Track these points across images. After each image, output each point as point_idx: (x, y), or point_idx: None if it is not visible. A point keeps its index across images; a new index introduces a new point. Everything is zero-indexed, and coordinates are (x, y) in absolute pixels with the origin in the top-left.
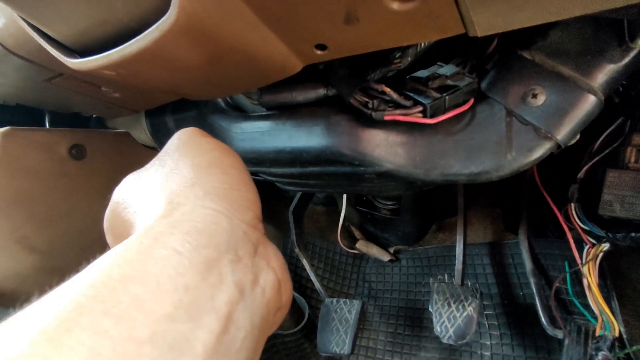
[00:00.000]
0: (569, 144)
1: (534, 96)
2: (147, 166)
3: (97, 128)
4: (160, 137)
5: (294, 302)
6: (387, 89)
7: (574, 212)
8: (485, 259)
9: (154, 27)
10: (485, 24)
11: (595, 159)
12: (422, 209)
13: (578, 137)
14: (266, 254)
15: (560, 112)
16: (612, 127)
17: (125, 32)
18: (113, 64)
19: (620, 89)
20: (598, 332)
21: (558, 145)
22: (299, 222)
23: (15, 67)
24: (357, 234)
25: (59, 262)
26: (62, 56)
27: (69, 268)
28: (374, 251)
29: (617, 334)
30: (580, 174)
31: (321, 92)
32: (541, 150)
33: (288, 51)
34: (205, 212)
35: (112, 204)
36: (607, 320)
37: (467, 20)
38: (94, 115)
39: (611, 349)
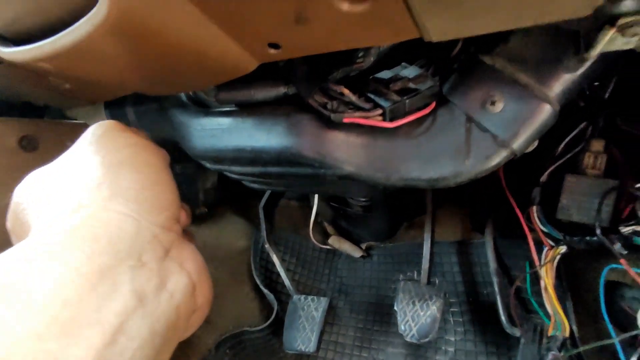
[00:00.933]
0: (526, 152)
1: (493, 103)
2: (54, 162)
3: (53, 118)
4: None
5: (263, 298)
6: (346, 91)
7: (535, 214)
8: (452, 257)
9: (83, 19)
10: (439, 30)
11: (557, 164)
12: (393, 207)
13: (536, 144)
14: (180, 257)
15: (517, 121)
16: (574, 132)
17: (57, 23)
18: (46, 57)
19: (587, 92)
20: (550, 332)
21: (514, 154)
22: (270, 218)
23: None
24: (329, 229)
25: None
26: None
27: None
28: (346, 247)
29: (567, 335)
30: (543, 178)
31: (281, 90)
32: (498, 158)
33: (240, 49)
34: (108, 216)
35: (12, 204)
36: (559, 320)
37: (421, 25)
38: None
39: (561, 348)
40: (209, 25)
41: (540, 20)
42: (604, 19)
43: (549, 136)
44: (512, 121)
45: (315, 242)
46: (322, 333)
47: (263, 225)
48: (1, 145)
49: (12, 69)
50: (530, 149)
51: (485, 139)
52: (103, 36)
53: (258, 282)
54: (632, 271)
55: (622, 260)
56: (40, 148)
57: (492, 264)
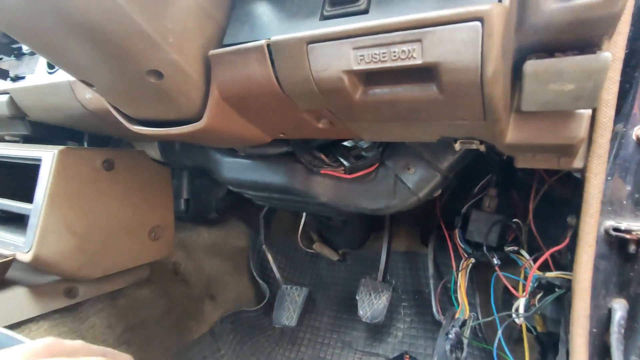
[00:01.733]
0: (434, 196)
1: (409, 168)
2: None
3: (125, 146)
4: (168, 156)
5: (258, 286)
6: (322, 155)
7: (457, 235)
8: (405, 264)
9: (190, 126)
10: (368, 137)
11: (470, 202)
12: (364, 222)
13: (439, 192)
14: None
15: (422, 181)
16: (483, 181)
17: (170, 121)
18: (160, 136)
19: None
20: (457, 316)
21: (420, 200)
22: (268, 225)
23: (82, 114)
24: (314, 237)
25: (90, 244)
26: (128, 124)
27: (96, 249)
28: (326, 251)
29: (466, 317)
30: (463, 210)
31: (284, 149)
32: (410, 201)
33: (263, 134)
34: None
35: None
36: (463, 308)
37: (358, 134)
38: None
39: (462, 326)
40: (248, 125)
41: (415, 139)
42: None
43: (467, 182)
44: (419, 181)
45: (302, 246)
46: (302, 313)
47: (262, 230)
48: (92, 166)
49: (102, 120)
50: (435, 195)
51: (404, 189)
52: (197, 132)
53: (255, 274)
54: (502, 275)
55: (497, 268)
56: (115, 168)
57: (431, 270)
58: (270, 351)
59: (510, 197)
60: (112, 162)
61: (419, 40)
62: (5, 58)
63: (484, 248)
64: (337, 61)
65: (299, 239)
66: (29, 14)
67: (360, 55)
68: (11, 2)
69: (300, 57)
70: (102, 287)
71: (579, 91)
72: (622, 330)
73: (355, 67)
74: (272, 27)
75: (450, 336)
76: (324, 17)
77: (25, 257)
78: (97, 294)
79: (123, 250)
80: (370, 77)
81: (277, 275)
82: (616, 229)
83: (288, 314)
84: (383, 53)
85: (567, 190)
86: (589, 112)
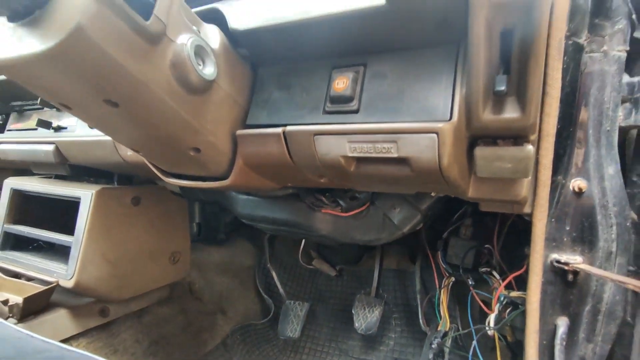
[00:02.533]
0: (413, 231)
1: (394, 208)
2: None
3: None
4: (187, 192)
5: (264, 301)
6: (323, 198)
7: (439, 256)
8: (395, 280)
9: (218, 183)
10: (360, 189)
11: (449, 229)
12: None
13: (420, 226)
14: None
15: (405, 219)
16: (460, 212)
17: (201, 176)
18: (192, 187)
19: None
20: (439, 328)
21: (403, 233)
22: (272, 245)
23: (120, 164)
24: (313, 254)
25: (121, 270)
26: (163, 177)
27: (126, 274)
28: (325, 268)
29: (447, 329)
30: (444, 235)
31: (290, 191)
32: (397, 234)
33: (275, 184)
34: None
35: None
36: (444, 321)
37: (352, 186)
38: None
39: (443, 337)
40: (263, 179)
41: (397, 192)
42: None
43: (448, 210)
44: (403, 219)
45: (302, 262)
46: (304, 325)
47: (267, 250)
48: (122, 203)
49: (137, 168)
50: (418, 228)
51: (391, 224)
52: (223, 186)
53: (260, 290)
54: (475, 293)
55: (471, 288)
56: (142, 203)
57: (418, 286)
58: (275, 359)
59: (484, 225)
60: (139, 198)
61: (395, 142)
62: (46, 108)
63: (461, 270)
64: (336, 149)
65: (300, 256)
66: (111, 116)
67: (353, 147)
68: (96, 111)
69: (308, 144)
70: (130, 306)
71: (514, 168)
72: (564, 343)
73: (350, 154)
74: (285, 114)
75: (433, 346)
76: (326, 112)
77: (68, 283)
78: (125, 313)
79: (148, 274)
80: (361, 159)
81: (281, 290)
82: (558, 261)
83: (292, 327)
84: (369, 147)
85: (527, 223)
86: (528, 177)
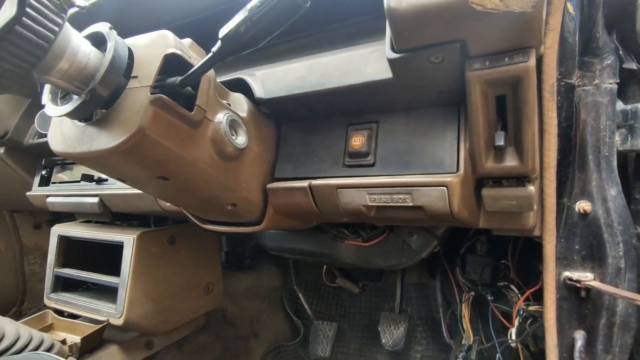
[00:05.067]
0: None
1: (412, 235)
2: None
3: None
4: None
5: (293, 322)
6: (345, 231)
7: (458, 272)
8: (417, 294)
9: (252, 228)
10: (380, 223)
11: (466, 246)
12: None
13: (437, 249)
14: None
15: (422, 245)
16: (473, 230)
17: (235, 222)
18: (228, 233)
19: None
20: (463, 342)
21: (422, 258)
22: (296, 266)
23: (159, 212)
24: (336, 273)
25: (162, 305)
26: (201, 224)
27: (167, 308)
28: (348, 285)
29: (471, 342)
30: (462, 251)
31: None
32: (416, 259)
33: (301, 224)
34: None
35: None
36: (467, 335)
37: (372, 222)
38: None
39: (467, 350)
40: (292, 221)
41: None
42: None
43: (464, 230)
44: (421, 245)
45: (326, 281)
46: (334, 344)
47: (292, 272)
48: (160, 243)
49: (172, 213)
50: (434, 251)
51: (410, 250)
52: (258, 230)
53: (289, 311)
54: (494, 307)
55: (490, 302)
56: (177, 241)
57: (439, 300)
58: None
59: (500, 240)
60: (174, 237)
61: (409, 193)
62: None
63: (479, 285)
64: (357, 200)
65: (324, 276)
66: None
67: (373, 198)
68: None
69: (332, 195)
70: (172, 337)
71: (519, 205)
72: (583, 355)
73: (370, 204)
74: (309, 168)
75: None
76: (345, 165)
77: (118, 321)
78: (168, 344)
79: (186, 306)
80: (380, 207)
81: (308, 310)
82: (570, 279)
83: (322, 347)
84: (387, 198)
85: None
86: (534, 209)
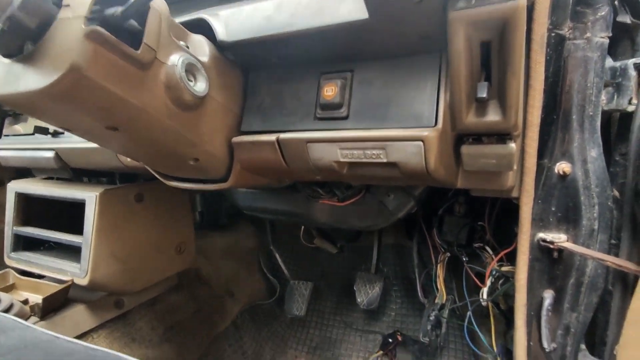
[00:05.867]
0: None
1: (389, 195)
2: None
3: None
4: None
5: (269, 282)
6: (320, 190)
7: (435, 233)
8: (394, 254)
9: (218, 185)
10: (354, 183)
11: (444, 207)
12: None
13: (414, 209)
14: None
15: (399, 205)
16: (452, 190)
17: (200, 179)
18: (192, 189)
19: None
20: (436, 300)
21: (398, 218)
22: (274, 226)
23: (121, 168)
24: (314, 233)
25: (130, 265)
26: (164, 180)
27: (135, 268)
28: (326, 245)
29: (444, 301)
30: (439, 212)
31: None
32: (392, 220)
33: (272, 182)
34: None
35: None
36: (441, 294)
37: (346, 181)
38: None
39: (440, 309)
40: (261, 178)
41: (391, 184)
42: None
43: (442, 191)
44: (397, 205)
45: (304, 242)
46: (309, 303)
47: (269, 232)
48: (126, 201)
49: (135, 169)
50: (411, 212)
51: (386, 211)
52: (224, 188)
53: (265, 271)
54: (469, 268)
55: (465, 263)
56: (145, 199)
57: (415, 261)
58: (284, 335)
59: (478, 201)
60: (142, 195)
61: (383, 148)
62: None
63: (455, 246)
64: (328, 155)
65: (302, 236)
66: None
67: (345, 153)
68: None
69: (302, 150)
70: (142, 296)
71: (499, 163)
72: (550, 313)
73: (342, 160)
74: (278, 120)
75: (431, 318)
76: (317, 118)
77: (82, 281)
78: (139, 303)
79: (156, 266)
80: (352, 164)
81: (285, 271)
82: (543, 240)
83: (297, 306)
84: (360, 153)
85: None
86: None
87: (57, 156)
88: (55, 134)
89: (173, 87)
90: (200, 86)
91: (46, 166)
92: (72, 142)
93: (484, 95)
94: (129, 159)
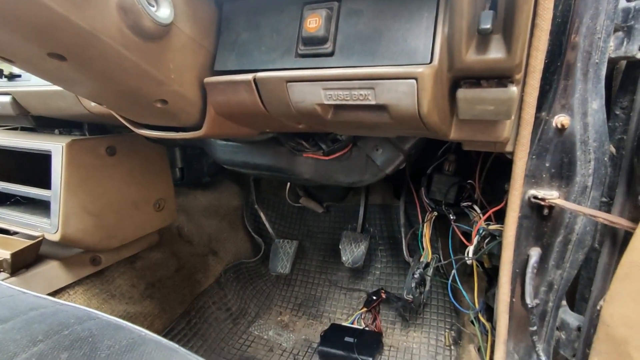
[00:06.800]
0: (396, 171)
1: (377, 149)
2: None
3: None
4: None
5: (254, 240)
6: (304, 142)
7: (423, 192)
8: (380, 214)
9: (191, 133)
10: (340, 132)
11: (433, 165)
12: None
13: (403, 165)
14: None
15: (388, 160)
16: (443, 147)
17: (172, 126)
18: (164, 138)
19: None
20: (422, 259)
21: (386, 174)
22: (258, 185)
23: (86, 115)
24: (300, 192)
25: (105, 221)
26: (134, 128)
27: (111, 224)
28: (312, 205)
29: (429, 260)
30: (428, 171)
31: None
32: (380, 176)
33: (251, 131)
34: None
35: None
36: (426, 253)
37: (331, 131)
38: None
39: (425, 267)
40: (239, 127)
41: (379, 135)
42: None
43: (432, 147)
44: (386, 160)
45: (290, 201)
46: (294, 262)
47: (253, 191)
48: (97, 154)
49: (102, 117)
50: (400, 167)
51: (374, 166)
52: (197, 137)
53: (250, 229)
54: (456, 227)
55: (452, 222)
56: (117, 152)
57: (402, 220)
58: (268, 293)
59: (468, 160)
60: (114, 147)
61: (372, 88)
62: None
63: (443, 205)
64: (310, 96)
65: (287, 195)
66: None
67: (329, 94)
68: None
69: (281, 91)
70: (121, 253)
71: (497, 110)
72: (535, 270)
73: (326, 102)
74: (256, 58)
75: (415, 275)
76: (299, 55)
77: (54, 237)
78: (117, 260)
79: (134, 223)
80: (338, 106)
81: (270, 229)
82: (535, 197)
83: (282, 264)
84: (346, 94)
85: (509, 160)
86: (511, 118)
87: (14, 101)
88: (11, 77)
89: (129, 9)
90: (163, 12)
91: (3, 113)
92: (30, 85)
93: (488, 25)
94: (92, 104)
